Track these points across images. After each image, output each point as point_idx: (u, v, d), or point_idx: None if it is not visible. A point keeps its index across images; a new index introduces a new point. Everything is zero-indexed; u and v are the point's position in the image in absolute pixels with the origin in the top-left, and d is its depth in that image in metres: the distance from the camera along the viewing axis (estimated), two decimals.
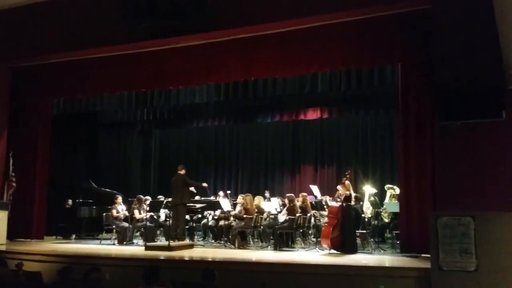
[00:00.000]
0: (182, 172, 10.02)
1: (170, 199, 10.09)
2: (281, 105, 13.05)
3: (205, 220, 10.94)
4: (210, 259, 8.03)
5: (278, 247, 9.01)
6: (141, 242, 10.13)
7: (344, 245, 8.24)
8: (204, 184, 10.67)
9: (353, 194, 9.85)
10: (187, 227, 10.48)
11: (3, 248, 9.02)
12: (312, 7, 8.06)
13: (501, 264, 5.77)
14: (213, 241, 10.44)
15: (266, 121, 13.89)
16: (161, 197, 11.44)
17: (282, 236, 9.23)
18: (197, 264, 7.53)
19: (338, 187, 10.20)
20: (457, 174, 7.01)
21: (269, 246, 9.44)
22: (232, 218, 9.98)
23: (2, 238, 9.51)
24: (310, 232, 10.01)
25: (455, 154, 7.08)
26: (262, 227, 9.93)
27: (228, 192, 12.03)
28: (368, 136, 13.08)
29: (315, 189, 11.29)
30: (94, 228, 11.57)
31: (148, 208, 10.42)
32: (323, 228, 8.71)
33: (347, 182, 9.98)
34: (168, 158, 15.24)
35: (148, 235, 9.97)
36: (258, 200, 10.37)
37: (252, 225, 9.65)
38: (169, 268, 6.82)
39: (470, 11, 6.18)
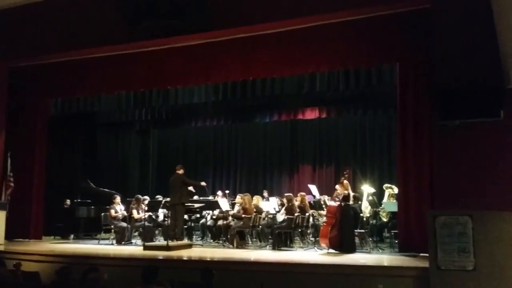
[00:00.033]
0: (181, 171, 10.03)
1: (168, 199, 10.09)
2: (279, 104, 13.04)
3: (203, 220, 10.94)
4: (208, 259, 8.04)
5: (276, 246, 9.02)
6: (139, 242, 10.11)
7: (343, 245, 8.25)
8: (203, 183, 10.67)
9: (352, 194, 9.86)
10: (185, 227, 10.49)
11: (1, 248, 9.00)
12: (312, 6, 8.07)
13: (499, 263, 5.79)
14: (212, 240, 10.44)
15: (265, 120, 13.90)
16: (159, 197, 11.44)
17: (281, 236, 9.23)
18: (196, 264, 7.53)
19: (337, 186, 10.20)
20: (455, 174, 7.01)
21: (267, 246, 9.44)
22: (230, 218, 9.98)
23: (0, 238, 9.49)
24: (308, 231, 10.01)
25: (453, 154, 7.08)
26: (260, 226, 9.93)
27: (227, 191, 12.03)
28: (366, 136, 13.10)
29: (313, 188, 11.29)
30: (93, 228, 11.58)
31: (146, 208, 10.43)
32: (321, 228, 8.72)
33: (345, 181, 10.00)
34: (166, 158, 15.23)
35: (147, 235, 9.97)
36: (257, 199, 10.38)
37: (251, 224, 9.65)
38: (167, 268, 6.80)
39: (469, 11, 6.19)
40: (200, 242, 10.45)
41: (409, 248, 7.82)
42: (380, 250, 8.59)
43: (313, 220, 9.98)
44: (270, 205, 10.34)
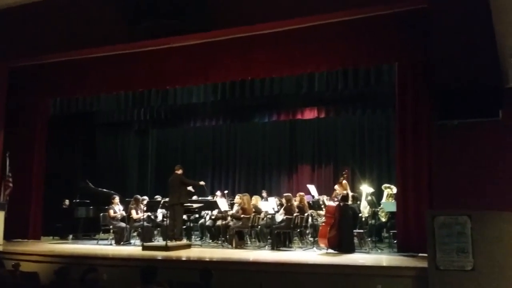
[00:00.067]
0: (179, 171, 10.01)
1: (167, 199, 10.09)
2: (278, 104, 13.02)
3: (202, 220, 10.93)
4: (207, 259, 8.03)
5: (275, 246, 9.02)
6: (138, 242, 10.10)
7: (342, 245, 8.25)
8: (201, 183, 10.65)
9: (350, 194, 9.85)
10: (184, 227, 10.48)
11: (0, 248, 8.99)
12: (311, 6, 8.06)
13: (498, 263, 5.79)
14: (211, 241, 10.43)
15: (264, 120, 13.88)
16: (158, 197, 11.41)
17: (280, 236, 9.23)
18: (195, 264, 7.53)
19: (336, 186, 10.19)
20: (454, 173, 7.02)
21: (266, 246, 9.44)
22: (229, 218, 9.97)
23: None
24: (307, 231, 9.99)
25: (452, 153, 7.09)
26: (259, 226, 9.92)
27: (226, 191, 12.04)
28: (365, 136, 13.11)
29: (312, 188, 11.29)
30: (91, 228, 11.57)
31: (145, 208, 10.41)
32: (320, 228, 8.72)
33: (344, 181, 9.99)
34: (165, 158, 15.23)
35: (146, 235, 9.96)
36: (256, 199, 10.37)
37: (250, 224, 9.65)
38: (166, 268, 6.80)
39: (468, 11, 6.19)
40: (199, 242, 10.45)
41: (408, 248, 7.82)
42: (379, 250, 8.59)
43: (312, 220, 9.96)
44: (269, 205, 10.35)
